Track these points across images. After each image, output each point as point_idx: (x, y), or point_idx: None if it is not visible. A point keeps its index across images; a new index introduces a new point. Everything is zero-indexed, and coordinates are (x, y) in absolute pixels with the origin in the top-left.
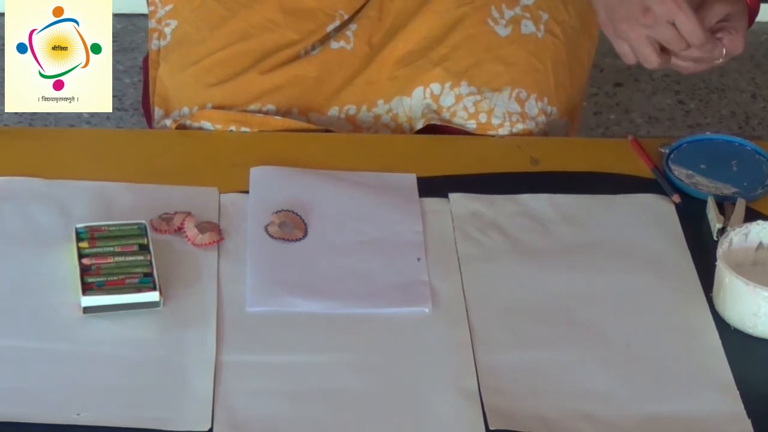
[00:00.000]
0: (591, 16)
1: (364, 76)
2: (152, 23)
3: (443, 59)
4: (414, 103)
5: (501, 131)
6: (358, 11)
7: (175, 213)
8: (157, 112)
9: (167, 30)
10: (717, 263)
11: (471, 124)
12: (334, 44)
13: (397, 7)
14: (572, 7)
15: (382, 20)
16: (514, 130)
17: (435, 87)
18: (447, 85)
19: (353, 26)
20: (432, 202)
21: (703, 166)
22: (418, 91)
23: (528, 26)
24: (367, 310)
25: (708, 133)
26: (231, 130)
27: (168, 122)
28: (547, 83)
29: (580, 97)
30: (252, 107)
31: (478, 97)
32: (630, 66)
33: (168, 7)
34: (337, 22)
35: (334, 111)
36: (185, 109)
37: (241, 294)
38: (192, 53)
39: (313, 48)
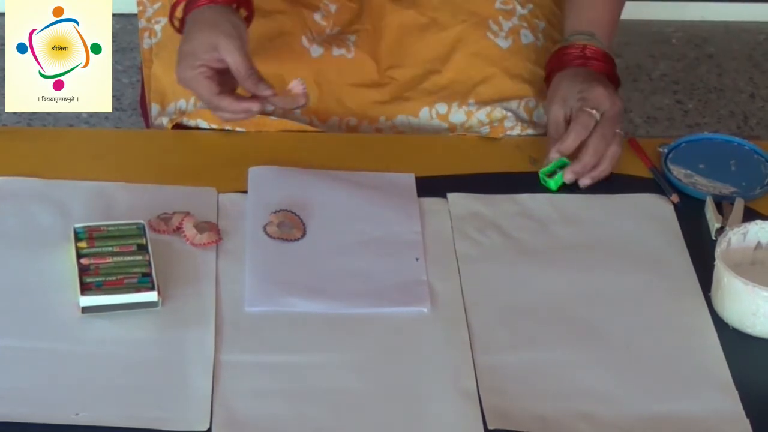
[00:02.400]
0: None
1: (367, 95)
2: (142, 23)
3: (450, 82)
4: (422, 122)
5: (511, 133)
6: (351, 23)
7: (174, 213)
8: (154, 107)
9: (157, 27)
10: (715, 263)
11: (485, 129)
12: (336, 51)
13: (394, 21)
14: None
15: (377, 34)
16: (524, 135)
17: (441, 107)
18: (454, 104)
19: (352, 37)
20: (431, 202)
21: (701, 166)
22: (424, 112)
23: (527, 36)
24: (365, 310)
25: (706, 132)
26: (227, 130)
27: (164, 120)
28: None
29: None
30: None
31: (488, 108)
32: (628, 66)
33: (156, 5)
34: (323, 12)
35: (334, 120)
36: (182, 102)
37: (239, 294)
38: None
39: (312, 48)
